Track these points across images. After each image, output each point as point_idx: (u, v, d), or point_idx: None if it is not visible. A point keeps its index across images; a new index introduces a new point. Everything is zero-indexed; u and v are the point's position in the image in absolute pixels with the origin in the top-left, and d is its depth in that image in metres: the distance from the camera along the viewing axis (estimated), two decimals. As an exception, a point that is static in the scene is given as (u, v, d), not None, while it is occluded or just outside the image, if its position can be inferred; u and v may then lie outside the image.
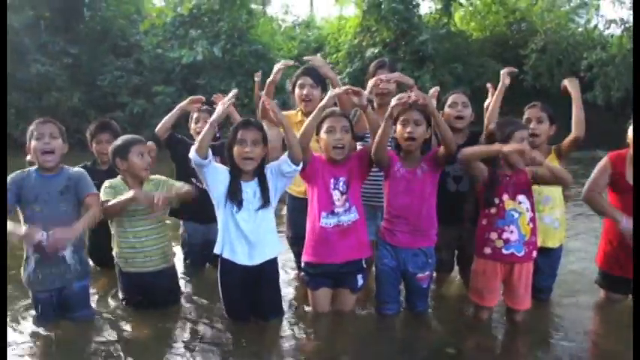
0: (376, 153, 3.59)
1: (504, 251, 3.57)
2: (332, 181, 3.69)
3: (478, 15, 19.46)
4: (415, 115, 3.62)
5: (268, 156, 3.69)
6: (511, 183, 3.59)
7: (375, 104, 4.19)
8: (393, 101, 3.50)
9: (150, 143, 4.24)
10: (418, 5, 18.05)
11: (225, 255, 3.61)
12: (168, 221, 4.19)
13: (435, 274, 4.07)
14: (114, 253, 3.92)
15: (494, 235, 3.59)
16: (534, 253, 3.63)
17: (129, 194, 3.59)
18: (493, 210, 3.60)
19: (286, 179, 3.68)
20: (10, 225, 3.33)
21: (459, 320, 3.92)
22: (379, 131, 3.52)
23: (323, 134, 3.67)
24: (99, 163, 4.64)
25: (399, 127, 3.68)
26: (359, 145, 3.99)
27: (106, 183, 3.83)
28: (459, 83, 14.91)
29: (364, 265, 3.82)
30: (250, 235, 3.57)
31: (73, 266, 3.60)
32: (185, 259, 4.91)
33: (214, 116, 3.43)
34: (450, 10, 18.30)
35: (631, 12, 15.35)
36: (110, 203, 3.64)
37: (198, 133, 4.32)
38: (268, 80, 4.12)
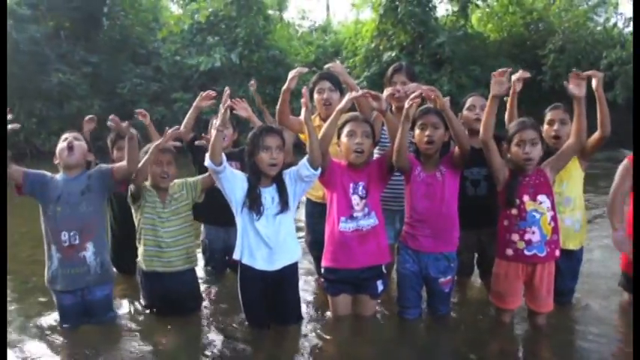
0: (397, 157, 3.57)
1: (526, 252, 3.55)
2: (351, 185, 3.69)
3: (495, 16, 19.36)
4: (433, 119, 3.61)
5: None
6: (531, 184, 3.56)
7: (392, 108, 4.19)
8: (407, 103, 3.51)
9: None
10: (435, 8, 18.03)
11: (245, 260, 3.61)
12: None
13: (455, 278, 4.04)
14: (139, 252, 3.96)
15: (515, 237, 3.57)
16: (557, 252, 3.59)
17: (152, 145, 3.77)
18: (514, 211, 3.57)
19: (305, 184, 3.68)
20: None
21: (481, 324, 3.90)
22: (397, 135, 3.52)
23: (344, 138, 3.67)
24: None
25: (417, 131, 3.67)
26: (375, 153, 3.99)
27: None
28: (477, 85, 14.80)
29: (384, 271, 3.81)
30: (269, 241, 3.57)
31: (94, 269, 3.66)
32: (206, 265, 4.94)
33: (218, 121, 3.42)
34: (467, 12, 18.25)
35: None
36: (140, 164, 3.71)
37: None
38: (283, 88, 4.14)
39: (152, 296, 4.01)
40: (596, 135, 3.84)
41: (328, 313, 3.91)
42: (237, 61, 17.54)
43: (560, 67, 16.39)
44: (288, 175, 3.65)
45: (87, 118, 5.09)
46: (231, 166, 3.65)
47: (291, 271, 3.71)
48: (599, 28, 17.98)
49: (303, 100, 3.47)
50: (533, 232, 3.53)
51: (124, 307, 4.19)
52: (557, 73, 16.31)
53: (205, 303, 4.22)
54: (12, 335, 3.71)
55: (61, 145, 3.68)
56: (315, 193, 4.27)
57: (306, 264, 4.80)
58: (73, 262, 3.61)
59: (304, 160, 3.56)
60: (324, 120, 4.21)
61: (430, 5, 17.79)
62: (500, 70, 3.55)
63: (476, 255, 4.33)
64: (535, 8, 18.86)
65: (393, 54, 16.78)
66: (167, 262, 3.89)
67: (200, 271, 4.67)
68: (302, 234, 4.59)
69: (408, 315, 3.81)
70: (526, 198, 3.55)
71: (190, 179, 4.06)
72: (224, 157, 3.44)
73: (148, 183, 3.94)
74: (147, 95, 17.65)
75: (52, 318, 3.89)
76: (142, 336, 3.71)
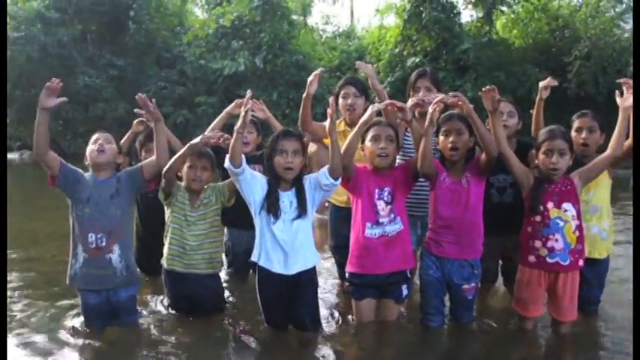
0: (422, 162, 3.56)
1: (549, 260, 3.52)
2: (377, 191, 3.68)
3: (520, 22, 19.26)
4: (457, 125, 3.60)
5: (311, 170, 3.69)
6: (556, 191, 3.54)
7: (416, 114, 4.19)
8: (430, 107, 3.51)
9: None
10: (459, 14, 18.02)
11: (262, 263, 3.60)
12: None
13: (479, 285, 4.02)
14: (164, 248, 3.99)
15: (538, 244, 3.55)
16: (580, 262, 3.56)
17: (187, 146, 3.78)
18: (538, 218, 3.55)
19: (324, 192, 3.66)
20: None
21: (504, 332, 3.87)
22: (422, 142, 3.52)
23: (368, 142, 3.67)
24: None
25: (441, 137, 3.66)
26: (398, 159, 3.99)
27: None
28: (501, 92, 14.70)
29: (409, 276, 3.81)
30: (285, 245, 3.55)
31: (120, 271, 3.66)
32: (229, 267, 4.97)
33: (239, 123, 3.43)
34: (492, 18, 18.20)
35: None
36: (171, 160, 3.73)
37: (244, 143, 4.38)
38: (304, 95, 4.15)
39: (175, 296, 4.04)
40: (628, 143, 3.73)
41: (351, 318, 3.90)
42: (261, 66, 17.65)
43: (585, 74, 16.25)
44: (308, 180, 3.65)
45: (136, 121, 4.89)
46: (254, 170, 3.68)
47: (309, 276, 3.66)
48: (626, 35, 17.75)
49: (329, 111, 3.47)
50: (557, 240, 3.50)
51: (147, 307, 4.23)
52: (582, 80, 16.17)
53: (228, 305, 4.24)
54: (36, 337, 3.76)
55: (92, 146, 3.70)
56: (339, 197, 4.28)
57: (328, 268, 4.80)
58: (99, 263, 3.62)
59: (325, 169, 3.54)
60: (349, 125, 4.23)
61: (455, 11, 17.77)
62: (485, 88, 3.55)
63: (500, 262, 4.31)
64: (561, 15, 18.73)
65: (417, 60, 16.79)
66: (188, 264, 3.91)
67: (223, 273, 4.69)
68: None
69: (431, 322, 3.78)
70: (550, 205, 3.52)
71: (220, 184, 4.08)
72: (244, 160, 3.45)
73: (182, 183, 3.97)
74: (171, 99, 17.84)
75: (76, 320, 3.92)
76: (163, 337, 3.74)
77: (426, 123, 3.50)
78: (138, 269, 3.98)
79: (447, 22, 17.20)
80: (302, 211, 3.57)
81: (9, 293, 4.52)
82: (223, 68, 17.74)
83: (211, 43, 19.29)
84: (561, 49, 17.85)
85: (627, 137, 3.70)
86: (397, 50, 17.66)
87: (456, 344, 3.72)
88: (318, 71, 4.19)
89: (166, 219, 4.01)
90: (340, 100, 4.31)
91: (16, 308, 4.27)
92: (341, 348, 3.58)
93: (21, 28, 16.84)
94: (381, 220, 3.66)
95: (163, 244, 4.02)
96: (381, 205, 3.67)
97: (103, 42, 19.02)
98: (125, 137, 4.67)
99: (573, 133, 3.94)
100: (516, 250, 3.78)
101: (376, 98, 4.21)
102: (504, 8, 18.59)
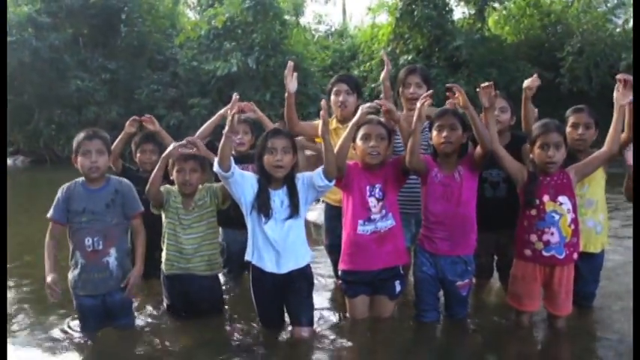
0: (410, 158, 3.56)
1: (544, 253, 3.52)
2: (368, 188, 3.68)
3: (512, 19, 19.28)
4: (451, 120, 3.60)
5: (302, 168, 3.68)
6: (552, 184, 3.53)
7: (404, 110, 4.19)
8: (419, 102, 3.53)
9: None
10: (451, 11, 18.04)
11: (254, 262, 3.61)
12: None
13: (474, 281, 4.02)
14: (162, 254, 3.97)
15: (534, 237, 3.54)
16: (575, 255, 3.56)
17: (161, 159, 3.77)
18: (533, 211, 3.55)
19: (317, 192, 3.66)
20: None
21: (499, 327, 3.87)
22: (411, 137, 3.52)
23: (359, 141, 3.67)
24: (141, 171, 4.73)
25: (434, 132, 3.66)
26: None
27: (161, 188, 3.89)
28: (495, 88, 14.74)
29: (402, 272, 3.80)
30: (276, 245, 3.55)
31: (116, 274, 3.65)
32: (224, 267, 4.94)
33: (227, 127, 3.42)
34: (484, 15, 18.20)
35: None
36: (151, 177, 3.72)
37: (238, 144, 4.37)
38: (285, 95, 4.15)
39: (173, 296, 4.02)
40: (624, 137, 3.70)
41: (346, 315, 3.90)
42: (253, 66, 17.63)
43: (578, 69, 16.26)
44: (301, 180, 3.63)
45: (128, 121, 4.77)
46: (247, 170, 3.68)
47: (301, 275, 3.66)
48: (618, 29, 17.80)
49: (321, 113, 3.46)
50: (552, 233, 3.49)
51: (144, 309, 4.20)
52: (575, 76, 16.19)
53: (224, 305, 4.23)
54: (32, 339, 3.76)
55: (85, 162, 3.59)
56: (334, 196, 4.26)
57: (323, 266, 4.79)
58: (96, 266, 3.60)
59: (319, 170, 3.54)
60: (341, 122, 4.24)
61: (447, 8, 17.78)
62: (483, 84, 3.57)
63: (495, 257, 4.30)
64: (553, 10, 18.74)
65: (410, 57, 16.79)
66: (187, 267, 3.90)
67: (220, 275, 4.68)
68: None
69: (426, 318, 3.78)
70: (546, 198, 3.52)
71: (214, 185, 4.03)
72: (232, 163, 3.44)
73: (175, 187, 3.95)
74: (164, 101, 17.81)
75: (73, 323, 3.90)
76: (159, 337, 3.74)
77: (415, 117, 3.50)
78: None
79: (439, 19, 17.21)
80: (294, 210, 3.56)
81: (4, 297, 4.49)
82: (216, 70, 17.72)
83: (203, 44, 19.26)
84: (554, 45, 17.85)
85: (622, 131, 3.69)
86: (390, 48, 17.63)
87: (451, 340, 3.72)
88: (289, 65, 4.16)
89: (163, 225, 3.99)
90: (332, 97, 4.32)
91: (12, 311, 4.26)
92: (336, 346, 3.58)
93: (13, 33, 16.78)
94: (372, 217, 3.66)
95: (160, 248, 4.00)
96: (372, 201, 3.66)
97: (94, 45, 18.98)
98: (118, 139, 4.64)
99: (568, 129, 3.90)
100: (510, 245, 3.77)
101: (381, 96, 4.21)
102: (496, 5, 18.59)
